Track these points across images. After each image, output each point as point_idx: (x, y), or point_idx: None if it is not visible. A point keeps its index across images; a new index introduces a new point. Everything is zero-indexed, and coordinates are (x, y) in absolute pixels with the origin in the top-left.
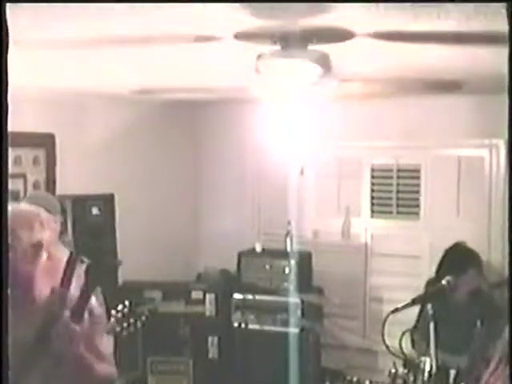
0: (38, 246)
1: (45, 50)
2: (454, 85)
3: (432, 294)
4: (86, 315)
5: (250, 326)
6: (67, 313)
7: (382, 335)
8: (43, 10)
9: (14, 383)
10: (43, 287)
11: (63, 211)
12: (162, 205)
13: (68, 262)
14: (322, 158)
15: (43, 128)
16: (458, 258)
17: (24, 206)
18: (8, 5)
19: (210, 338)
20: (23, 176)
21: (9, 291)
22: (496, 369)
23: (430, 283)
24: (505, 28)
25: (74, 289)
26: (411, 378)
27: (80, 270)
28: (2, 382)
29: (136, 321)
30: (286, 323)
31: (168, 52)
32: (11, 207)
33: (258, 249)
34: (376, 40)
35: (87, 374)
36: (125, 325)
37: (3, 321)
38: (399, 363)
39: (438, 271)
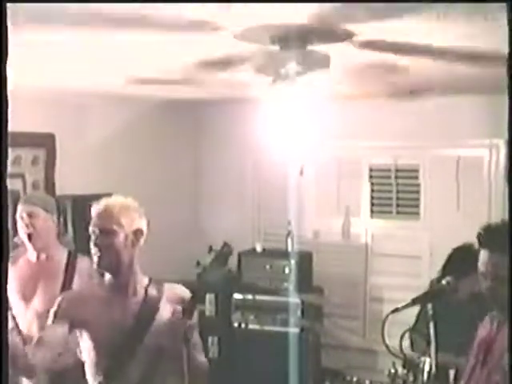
0: (138, 233)
1: (45, 46)
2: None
3: (432, 294)
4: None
5: (250, 326)
6: (179, 308)
7: (382, 335)
8: (44, 9)
9: (112, 371)
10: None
11: (63, 211)
12: (161, 205)
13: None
14: (322, 158)
15: (43, 128)
16: (463, 260)
17: (121, 197)
18: (8, 5)
19: (210, 338)
20: (23, 176)
21: (108, 278)
22: (473, 369)
23: (435, 282)
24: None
25: None
26: (411, 378)
27: None
28: (1, 382)
29: None
30: (285, 323)
31: (168, 49)
32: (111, 199)
33: (258, 249)
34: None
35: (186, 363)
36: None
37: (3, 321)
38: (399, 363)
39: (443, 270)
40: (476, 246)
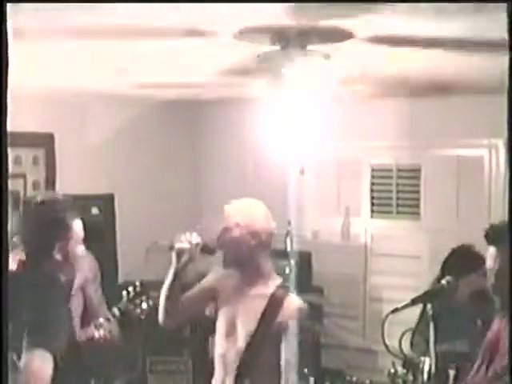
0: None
1: (45, 47)
2: (448, 86)
3: (432, 294)
4: None
5: None
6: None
7: (382, 335)
8: (43, 9)
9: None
10: None
11: None
12: (161, 205)
13: None
14: (322, 158)
15: (43, 128)
16: (462, 261)
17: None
18: (8, 5)
19: (210, 338)
20: (23, 176)
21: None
22: (478, 370)
23: (435, 282)
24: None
25: None
26: (410, 378)
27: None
28: (1, 382)
29: (148, 297)
30: None
31: (168, 51)
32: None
33: None
34: (374, 45)
35: None
36: (137, 301)
37: (3, 322)
38: (398, 363)
39: (442, 270)
40: (474, 246)
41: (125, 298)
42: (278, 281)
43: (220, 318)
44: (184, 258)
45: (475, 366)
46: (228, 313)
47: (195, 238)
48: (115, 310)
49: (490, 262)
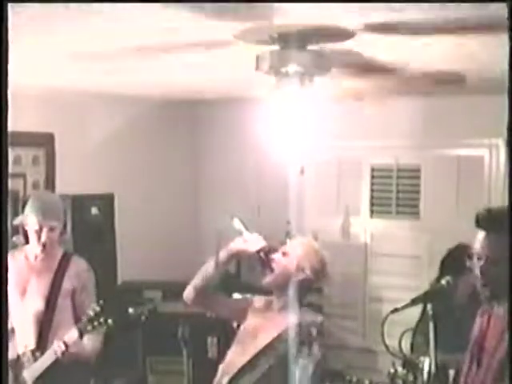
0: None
1: (45, 49)
2: (457, 79)
3: (432, 294)
4: None
5: None
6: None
7: (382, 335)
8: (44, 9)
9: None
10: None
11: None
12: (161, 205)
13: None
14: (322, 158)
15: (43, 128)
16: (460, 260)
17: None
18: (9, 5)
19: (209, 338)
20: (23, 176)
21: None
22: (469, 369)
23: (433, 283)
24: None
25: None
26: (410, 378)
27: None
28: (1, 382)
29: (106, 320)
30: None
31: (168, 51)
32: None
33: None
34: (375, 34)
35: None
36: (95, 323)
37: (3, 323)
38: (398, 363)
39: (440, 271)
40: (471, 246)
41: (85, 319)
42: (304, 316)
43: (241, 328)
44: (241, 248)
45: (464, 369)
46: (247, 327)
47: (260, 242)
48: (74, 330)
49: (477, 248)
